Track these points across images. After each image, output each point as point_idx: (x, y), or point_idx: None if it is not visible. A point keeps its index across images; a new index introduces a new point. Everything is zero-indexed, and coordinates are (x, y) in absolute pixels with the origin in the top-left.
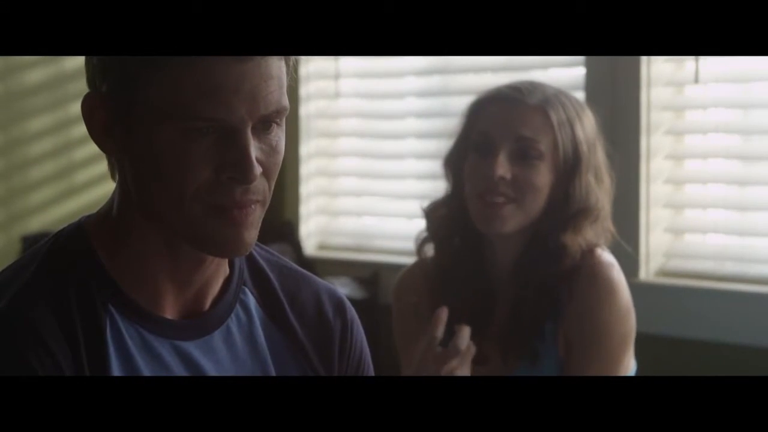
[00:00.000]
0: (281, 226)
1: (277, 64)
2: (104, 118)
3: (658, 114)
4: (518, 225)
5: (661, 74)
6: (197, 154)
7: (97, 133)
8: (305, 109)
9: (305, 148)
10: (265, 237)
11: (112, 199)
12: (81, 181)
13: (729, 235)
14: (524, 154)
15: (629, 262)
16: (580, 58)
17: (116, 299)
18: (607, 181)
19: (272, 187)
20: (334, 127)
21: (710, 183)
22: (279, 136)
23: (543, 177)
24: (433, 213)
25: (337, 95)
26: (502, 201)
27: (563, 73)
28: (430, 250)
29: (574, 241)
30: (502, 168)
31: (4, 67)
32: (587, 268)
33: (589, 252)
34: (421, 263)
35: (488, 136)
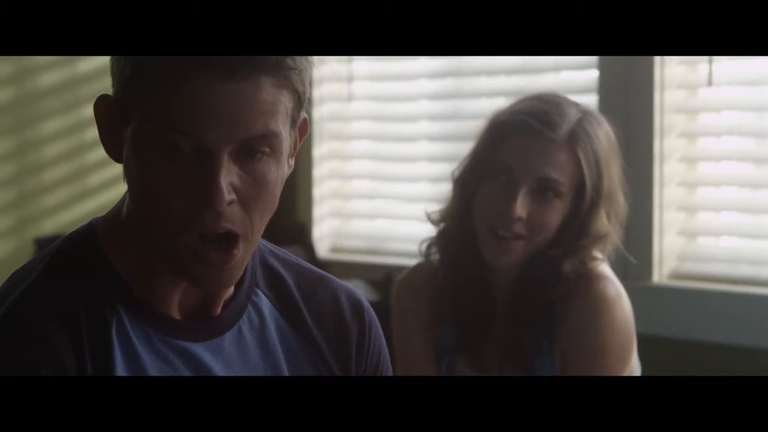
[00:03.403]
0: (294, 228)
1: (270, 90)
2: (110, 121)
3: (671, 117)
4: (524, 257)
5: (675, 77)
6: (174, 174)
7: (102, 135)
8: (318, 112)
9: (318, 150)
10: (277, 239)
11: (122, 200)
12: (94, 184)
13: (742, 237)
14: (543, 193)
15: (642, 264)
16: (594, 61)
17: (125, 299)
18: (621, 204)
19: (256, 222)
20: (347, 129)
21: (724, 186)
22: (269, 166)
23: (558, 215)
24: (439, 224)
25: (349, 98)
26: (512, 237)
27: (576, 76)
28: (436, 254)
29: (574, 266)
30: (522, 208)
31: (18, 70)
32: (581, 285)
33: (583, 266)
34: (422, 266)
35: (510, 170)
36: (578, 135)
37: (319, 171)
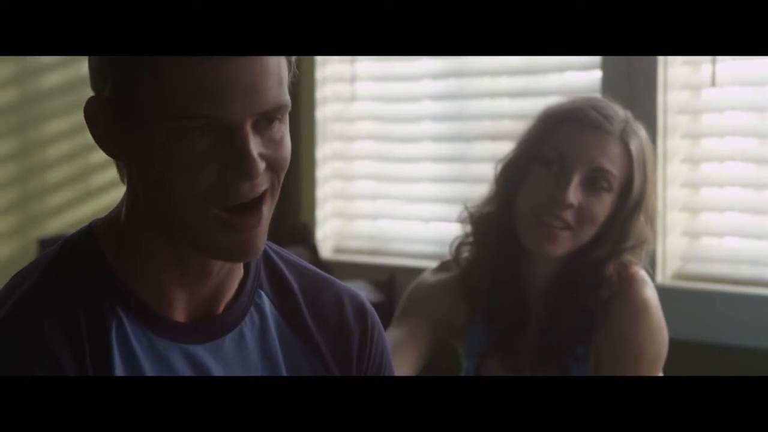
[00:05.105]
0: (297, 229)
1: (275, 61)
2: (107, 122)
3: (674, 117)
4: (567, 250)
5: (678, 77)
6: (199, 155)
7: (100, 136)
8: (321, 112)
9: (321, 151)
10: (281, 240)
11: (122, 202)
12: (98, 185)
13: (745, 238)
14: (594, 184)
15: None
16: (597, 62)
17: (124, 302)
18: (654, 210)
19: (281, 179)
20: (350, 130)
21: (727, 186)
22: (282, 131)
23: (605, 209)
24: (477, 215)
25: (353, 98)
26: (559, 225)
27: (580, 76)
28: (465, 252)
29: (615, 271)
30: (574, 195)
31: (22, 71)
32: (622, 288)
33: (624, 269)
34: (445, 268)
35: (565, 158)
36: (630, 133)
37: (322, 171)
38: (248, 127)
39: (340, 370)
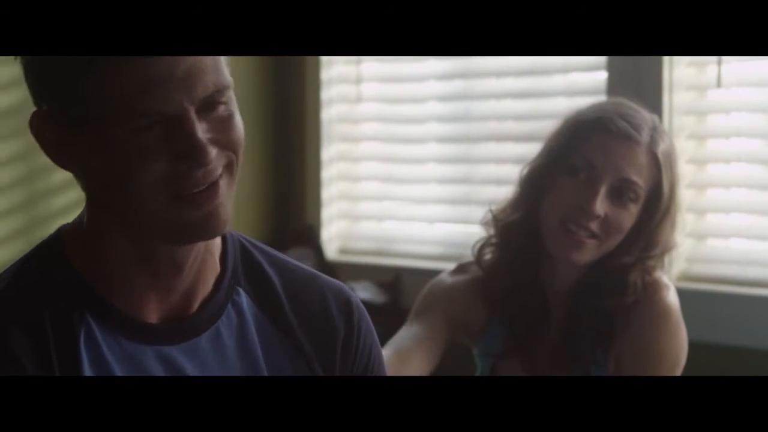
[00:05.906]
0: (302, 230)
1: None
2: (53, 134)
3: (680, 118)
4: (592, 258)
5: (684, 78)
6: (147, 149)
7: (49, 150)
8: (327, 114)
9: (327, 152)
10: (286, 241)
11: (85, 207)
12: None
13: (751, 239)
14: (621, 194)
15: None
16: (602, 62)
17: (93, 307)
18: (681, 211)
19: (240, 156)
20: (356, 131)
21: (733, 187)
22: (230, 110)
23: (631, 218)
24: (502, 218)
25: (358, 99)
26: (585, 235)
27: (585, 77)
28: (488, 254)
29: (639, 277)
30: (601, 206)
31: None
32: (646, 293)
33: (647, 274)
34: (463, 269)
35: (593, 168)
36: (657, 140)
37: (327, 172)
38: (192, 116)
39: (322, 367)
